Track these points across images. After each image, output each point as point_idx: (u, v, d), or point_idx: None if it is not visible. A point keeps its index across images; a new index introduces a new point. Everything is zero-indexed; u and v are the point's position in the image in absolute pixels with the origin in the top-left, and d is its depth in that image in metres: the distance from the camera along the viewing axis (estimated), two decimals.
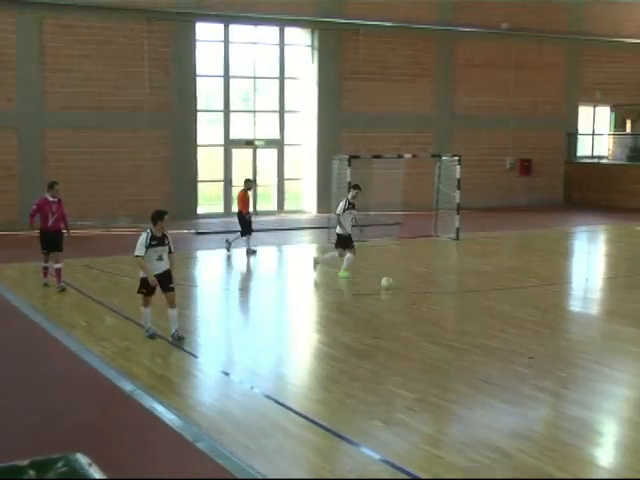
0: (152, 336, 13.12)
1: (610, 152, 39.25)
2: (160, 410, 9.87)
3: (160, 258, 12.95)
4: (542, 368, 11.86)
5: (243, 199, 22.09)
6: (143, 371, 11.57)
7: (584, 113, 38.07)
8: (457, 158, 24.99)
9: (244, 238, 21.84)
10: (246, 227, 21.79)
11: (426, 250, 22.71)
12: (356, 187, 18.84)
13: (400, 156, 26.07)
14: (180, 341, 12.81)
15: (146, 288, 13.03)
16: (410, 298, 16.88)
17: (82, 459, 2.73)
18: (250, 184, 22.57)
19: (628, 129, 39.27)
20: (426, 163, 27.93)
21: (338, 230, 18.52)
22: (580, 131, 38.03)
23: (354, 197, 18.58)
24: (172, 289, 13.07)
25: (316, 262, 19.01)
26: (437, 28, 32.75)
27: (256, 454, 8.60)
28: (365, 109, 31.45)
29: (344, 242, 18.48)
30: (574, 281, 20.31)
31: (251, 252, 21.79)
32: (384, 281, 17.58)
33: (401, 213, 27.81)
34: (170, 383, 11.16)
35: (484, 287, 17.89)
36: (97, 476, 2.67)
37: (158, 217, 12.89)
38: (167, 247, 13.04)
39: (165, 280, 13.00)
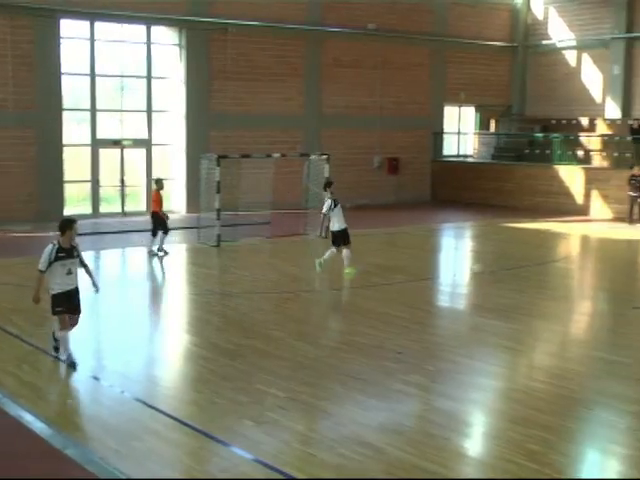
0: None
1: (475, 151, 40.35)
2: (28, 418, 9.63)
3: (69, 272, 11.69)
4: (410, 363, 12.09)
5: (157, 199, 22.14)
6: (9, 378, 11.25)
7: (450, 113, 39.01)
8: (325, 157, 25.18)
9: (157, 238, 21.78)
10: (163, 226, 21.74)
11: (296, 248, 22.80)
12: (329, 184, 19.58)
13: (269, 155, 26.10)
14: (71, 367, 11.69)
15: (61, 305, 11.73)
16: (280, 297, 16.94)
17: None
18: (162, 184, 22.50)
19: (492, 129, 40.37)
20: (295, 162, 28.09)
21: (334, 227, 18.73)
22: (446, 131, 38.92)
23: (332, 193, 19.00)
24: (79, 311, 12.11)
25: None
26: (306, 28, 32.95)
27: (126, 458, 8.51)
28: (234, 109, 31.35)
29: (341, 237, 18.63)
30: (442, 277, 20.75)
31: (164, 252, 21.67)
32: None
33: (271, 212, 27.84)
34: (38, 390, 10.90)
35: (353, 285, 18.08)
36: None
37: (67, 226, 11.64)
38: (77, 260, 11.85)
39: (75, 298, 11.93)
